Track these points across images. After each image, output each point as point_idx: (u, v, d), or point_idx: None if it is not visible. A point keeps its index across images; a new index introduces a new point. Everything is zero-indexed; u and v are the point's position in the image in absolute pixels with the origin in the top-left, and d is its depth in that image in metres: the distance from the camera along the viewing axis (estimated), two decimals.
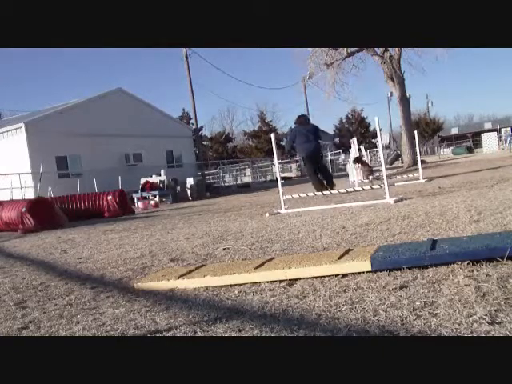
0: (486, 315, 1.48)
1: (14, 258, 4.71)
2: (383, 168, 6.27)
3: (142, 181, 17.49)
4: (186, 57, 24.86)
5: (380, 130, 6.53)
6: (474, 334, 1.37)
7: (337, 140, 9.29)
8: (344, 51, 20.34)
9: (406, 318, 1.57)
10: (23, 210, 8.03)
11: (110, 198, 10.54)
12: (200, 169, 26.20)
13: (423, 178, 9.46)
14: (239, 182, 29.05)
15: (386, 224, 3.80)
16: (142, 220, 8.24)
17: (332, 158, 34.69)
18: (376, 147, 34.70)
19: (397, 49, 19.89)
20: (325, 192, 8.07)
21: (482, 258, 2.06)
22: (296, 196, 7.59)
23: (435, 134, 51.62)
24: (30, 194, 16.96)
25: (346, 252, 2.46)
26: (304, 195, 7.56)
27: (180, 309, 2.08)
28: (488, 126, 48.64)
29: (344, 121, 54.22)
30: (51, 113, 21.51)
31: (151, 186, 17.08)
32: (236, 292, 2.23)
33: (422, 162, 13.27)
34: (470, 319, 1.48)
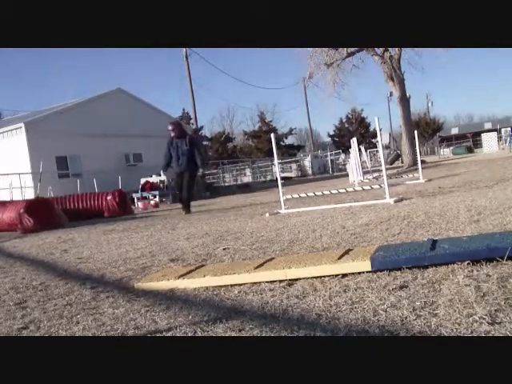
0: (486, 315, 1.48)
1: (14, 258, 4.71)
2: (383, 168, 6.27)
3: (142, 181, 17.49)
4: (186, 57, 24.89)
5: (380, 129, 6.53)
6: (474, 334, 1.37)
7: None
8: (344, 51, 20.36)
9: (406, 317, 1.57)
10: (21, 210, 8.03)
11: (109, 198, 10.53)
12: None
13: (423, 178, 9.46)
14: (239, 182, 29.03)
15: (385, 224, 3.80)
16: (142, 220, 8.23)
17: (332, 157, 34.72)
18: (376, 147, 34.71)
19: (397, 49, 19.91)
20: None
21: (482, 258, 2.06)
22: (296, 196, 7.60)
23: (435, 134, 51.64)
24: (30, 194, 16.95)
25: (346, 252, 2.46)
26: (304, 195, 7.57)
27: (180, 309, 2.08)
28: (488, 126, 48.66)
29: (344, 121, 54.23)
30: (51, 113, 21.51)
31: (151, 186, 17.08)
32: (236, 292, 2.23)
33: (422, 162, 13.28)
34: (470, 319, 1.48)
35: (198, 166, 8.33)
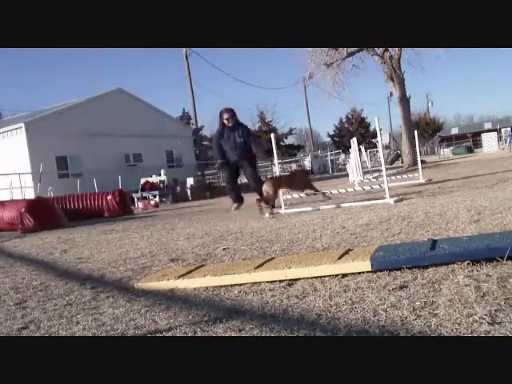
0: (486, 315, 1.48)
1: (14, 257, 4.71)
2: (383, 168, 6.27)
3: (142, 181, 17.49)
4: (186, 57, 24.91)
5: (380, 129, 6.53)
6: (474, 334, 1.37)
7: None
8: (344, 51, 20.36)
9: (406, 317, 1.57)
10: (22, 210, 8.03)
11: (109, 197, 10.54)
12: (200, 169, 26.20)
13: (423, 178, 9.46)
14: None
15: (385, 224, 3.80)
16: (142, 220, 8.23)
17: (332, 157, 34.72)
18: (376, 147, 34.71)
19: (397, 49, 19.92)
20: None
21: (482, 258, 2.06)
22: (296, 196, 7.59)
23: (435, 134, 51.65)
24: (30, 194, 16.96)
25: (346, 252, 2.46)
26: (304, 195, 7.56)
27: (180, 309, 2.08)
28: (488, 126, 48.70)
29: (344, 121, 54.25)
30: (51, 113, 21.52)
31: (151, 186, 17.09)
32: (236, 292, 2.23)
33: (422, 162, 13.28)
34: (470, 319, 1.48)
35: (255, 156, 7.42)
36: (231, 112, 7.33)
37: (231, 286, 2.33)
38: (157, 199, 16.01)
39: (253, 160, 7.52)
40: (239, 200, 7.58)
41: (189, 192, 17.87)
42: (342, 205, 5.95)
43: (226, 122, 7.26)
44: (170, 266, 3.17)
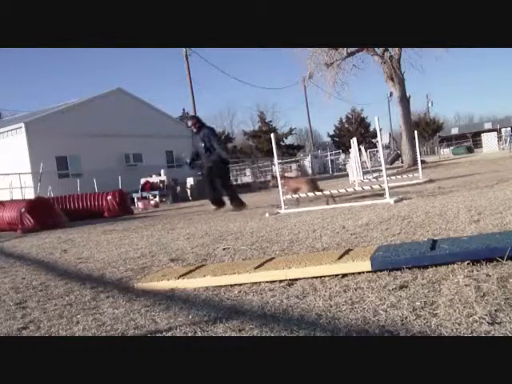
0: (486, 315, 1.48)
1: (14, 257, 4.71)
2: (383, 168, 6.28)
3: (142, 181, 17.48)
4: (186, 57, 24.92)
5: (380, 130, 6.54)
6: (474, 334, 1.37)
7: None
8: (344, 51, 20.36)
9: (406, 317, 1.57)
10: (22, 210, 8.02)
11: (109, 198, 10.53)
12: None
13: (423, 178, 9.46)
14: (239, 182, 29.02)
15: (385, 224, 3.80)
16: (142, 220, 8.23)
17: (332, 158, 34.72)
18: (376, 147, 34.74)
19: (397, 49, 19.92)
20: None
21: (482, 257, 2.06)
22: (296, 196, 7.59)
23: (435, 134, 51.69)
24: (30, 194, 16.95)
25: (346, 252, 2.46)
26: (304, 195, 7.55)
27: (180, 309, 2.08)
28: (488, 126, 48.75)
29: (344, 121, 54.24)
30: (51, 113, 21.51)
31: (151, 186, 17.08)
32: (236, 292, 2.23)
33: (422, 162, 13.29)
34: (470, 319, 1.48)
35: (222, 159, 7.76)
36: (194, 118, 8.13)
37: (231, 286, 2.33)
38: (157, 199, 16.00)
39: (221, 165, 7.77)
40: (217, 204, 7.87)
41: (189, 192, 17.85)
42: (342, 205, 5.95)
43: (192, 128, 7.97)
44: (170, 265, 3.17)
